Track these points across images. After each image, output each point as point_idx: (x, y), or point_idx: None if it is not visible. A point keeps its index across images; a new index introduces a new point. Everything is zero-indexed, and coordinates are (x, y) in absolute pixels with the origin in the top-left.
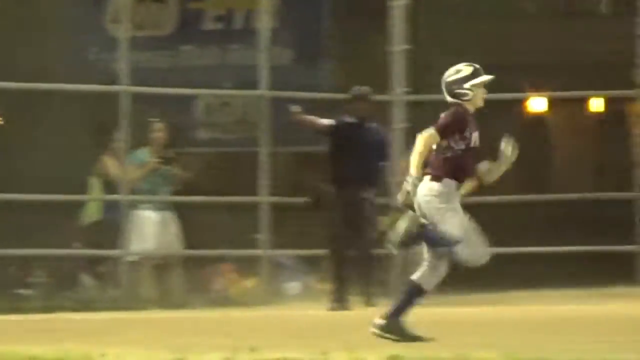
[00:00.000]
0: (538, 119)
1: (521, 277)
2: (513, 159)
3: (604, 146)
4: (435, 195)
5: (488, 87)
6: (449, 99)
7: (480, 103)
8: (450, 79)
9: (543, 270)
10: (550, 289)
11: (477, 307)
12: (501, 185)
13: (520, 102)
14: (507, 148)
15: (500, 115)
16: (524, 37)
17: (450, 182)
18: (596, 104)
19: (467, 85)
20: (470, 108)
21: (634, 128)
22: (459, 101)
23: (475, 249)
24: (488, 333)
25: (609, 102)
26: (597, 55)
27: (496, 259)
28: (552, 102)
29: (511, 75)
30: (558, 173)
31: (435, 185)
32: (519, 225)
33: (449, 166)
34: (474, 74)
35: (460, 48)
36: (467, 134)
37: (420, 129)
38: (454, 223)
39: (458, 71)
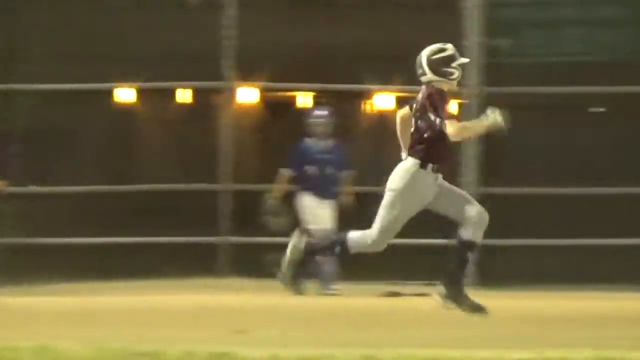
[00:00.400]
0: (126, 109)
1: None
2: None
3: (190, 137)
4: None
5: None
6: (431, 76)
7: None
8: (435, 57)
9: (121, 262)
10: (134, 279)
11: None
12: (77, 176)
13: (108, 92)
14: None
15: (88, 105)
16: (113, 27)
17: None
18: (184, 95)
19: (454, 64)
20: (445, 87)
21: (220, 119)
22: (443, 80)
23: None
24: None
25: (196, 93)
26: (186, 47)
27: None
28: (140, 93)
29: (99, 66)
30: (145, 164)
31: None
32: (103, 216)
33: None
34: (457, 54)
35: (52, 36)
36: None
37: None
38: None
39: (442, 50)
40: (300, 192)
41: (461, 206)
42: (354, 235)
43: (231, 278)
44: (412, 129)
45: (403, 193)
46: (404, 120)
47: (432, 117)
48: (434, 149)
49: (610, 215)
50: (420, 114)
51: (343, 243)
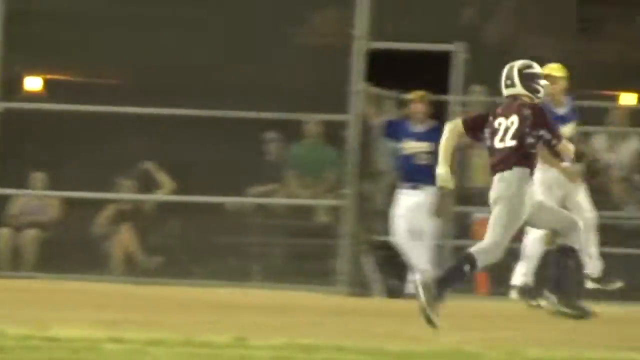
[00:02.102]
0: None
1: None
2: None
3: None
4: None
5: None
6: (522, 90)
7: None
8: (529, 72)
9: None
10: None
11: None
12: None
13: None
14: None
15: None
16: None
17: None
18: None
19: (542, 82)
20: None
21: None
22: (532, 96)
23: None
24: None
25: None
26: None
27: None
28: None
29: None
30: None
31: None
32: None
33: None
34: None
35: None
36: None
37: None
38: None
39: (530, 66)
40: None
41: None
42: (477, 249)
43: None
44: (516, 144)
45: (519, 200)
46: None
47: (542, 133)
48: (535, 162)
49: None
50: (530, 129)
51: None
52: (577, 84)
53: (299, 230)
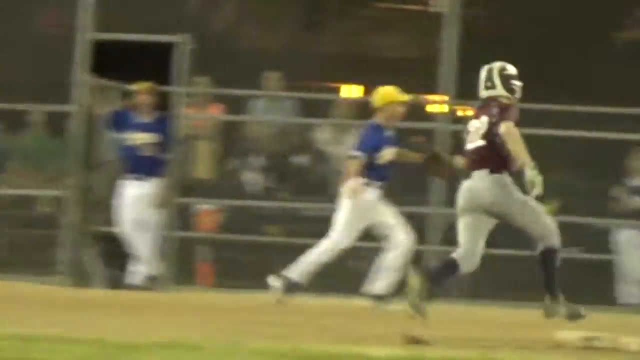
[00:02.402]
0: None
1: None
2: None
3: None
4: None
5: None
6: (502, 92)
7: None
8: (508, 73)
9: None
10: None
11: None
12: None
13: None
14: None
15: None
16: None
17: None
18: None
19: (517, 82)
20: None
21: None
22: (510, 96)
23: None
24: None
25: None
26: None
27: None
28: None
29: None
30: None
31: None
32: None
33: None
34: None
35: None
36: None
37: None
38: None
39: (506, 67)
40: None
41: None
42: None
43: None
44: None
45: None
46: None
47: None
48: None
49: None
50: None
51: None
52: (301, 76)
53: (21, 221)
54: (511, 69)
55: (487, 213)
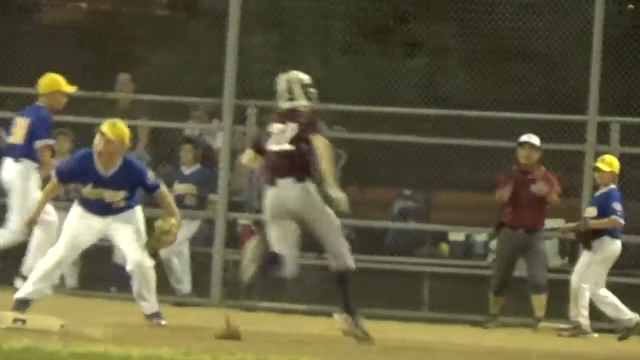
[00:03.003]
0: None
1: None
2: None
3: None
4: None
5: None
6: (306, 102)
7: None
8: (308, 82)
9: None
10: None
11: None
12: None
13: None
14: None
15: None
16: None
17: None
18: None
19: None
20: None
21: None
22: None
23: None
24: None
25: None
26: None
27: None
28: None
29: None
30: None
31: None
32: None
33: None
34: None
35: None
36: None
37: None
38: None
39: (304, 77)
40: None
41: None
42: None
43: None
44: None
45: None
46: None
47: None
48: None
49: None
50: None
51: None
52: None
53: None
54: (307, 78)
55: (295, 220)
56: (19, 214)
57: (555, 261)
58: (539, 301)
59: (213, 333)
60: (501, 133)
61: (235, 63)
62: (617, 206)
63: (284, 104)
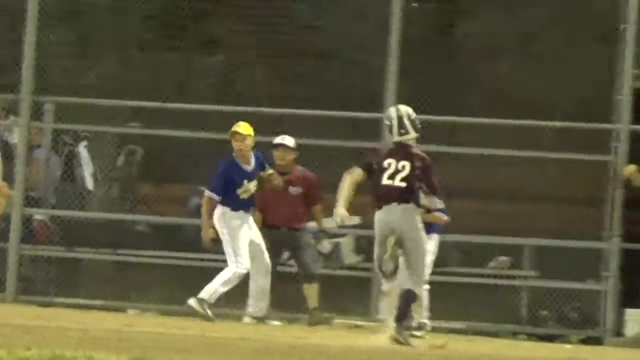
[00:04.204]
0: None
1: None
2: None
3: None
4: None
5: None
6: (415, 135)
7: None
8: (415, 117)
9: None
10: None
11: None
12: None
13: None
14: None
15: None
16: None
17: None
18: None
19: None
20: None
21: None
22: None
23: None
24: None
25: None
26: None
27: None
28: None
29: None
30: None
31: None
32: None
33: None
34: None
35: None
36: None
37: None
38: None
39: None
40: None
41: None
42: None
43: None
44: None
45: None
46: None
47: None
48: None
49: None
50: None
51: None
52: None
53: None
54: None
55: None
56: None
57: (351, 258)
58: (312, 291)
59: (9, 329)
60: (296, 130)
61: (33, 59)
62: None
63: (395, 138)
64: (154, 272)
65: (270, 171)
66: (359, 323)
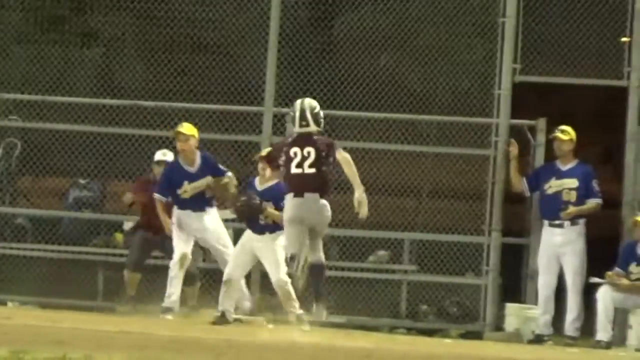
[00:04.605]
0: None
1: None
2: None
3: None
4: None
5: None
6: (315, 127)
7: None
8: (318, 111)
9: None
10: None
11: None
12: None
13: None
14: None
15: None
16: None
17: None
18: None
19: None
20: None
21: None
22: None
23: None
24: None
25: None
26: None
27: None
28: None
29: None
30: None
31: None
32: None
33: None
34: None
35: None
36: None
37: None
38: None
39: (317, 106)
40: None
41: None
42: None
43: None
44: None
45: None
46: None
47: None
48: None
49: None
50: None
51: None
52: None
53: None
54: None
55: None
56: None
57: None
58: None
59: None
60: (176, 123)
61: None
62: None
63: (296, 129)
64: (33, 265)
65: (227, 179)
66: (241, 317)
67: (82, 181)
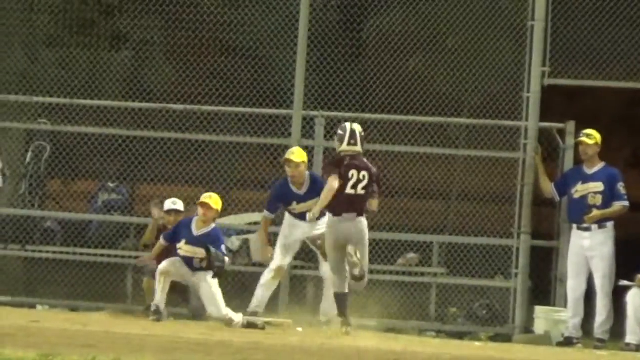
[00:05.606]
0: None
1: None
2: None
3: None
4: None
5: None
6: (360, 149)
7: None
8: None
9: None
10: None
11: None
12: None
13: None
14: None
15: None
16: None
17: None
18: None
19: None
20: None
21: None
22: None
23: None
24: None
25: None
26: None
27: None
28: None
29: None
30: None
31: None
32: None
33: None
34: None
35: None
36: None
37: None
38: None
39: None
40: None
41: None
42: None
43: None
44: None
45: None
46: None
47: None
48: None
49: None
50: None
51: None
52: None
53: None
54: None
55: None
56: None
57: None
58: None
59: None
60: (205, 127)
61: None
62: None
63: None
64: (62, 268)
65: (212, 252)
66: (269, 320)
67: (111, 184)
